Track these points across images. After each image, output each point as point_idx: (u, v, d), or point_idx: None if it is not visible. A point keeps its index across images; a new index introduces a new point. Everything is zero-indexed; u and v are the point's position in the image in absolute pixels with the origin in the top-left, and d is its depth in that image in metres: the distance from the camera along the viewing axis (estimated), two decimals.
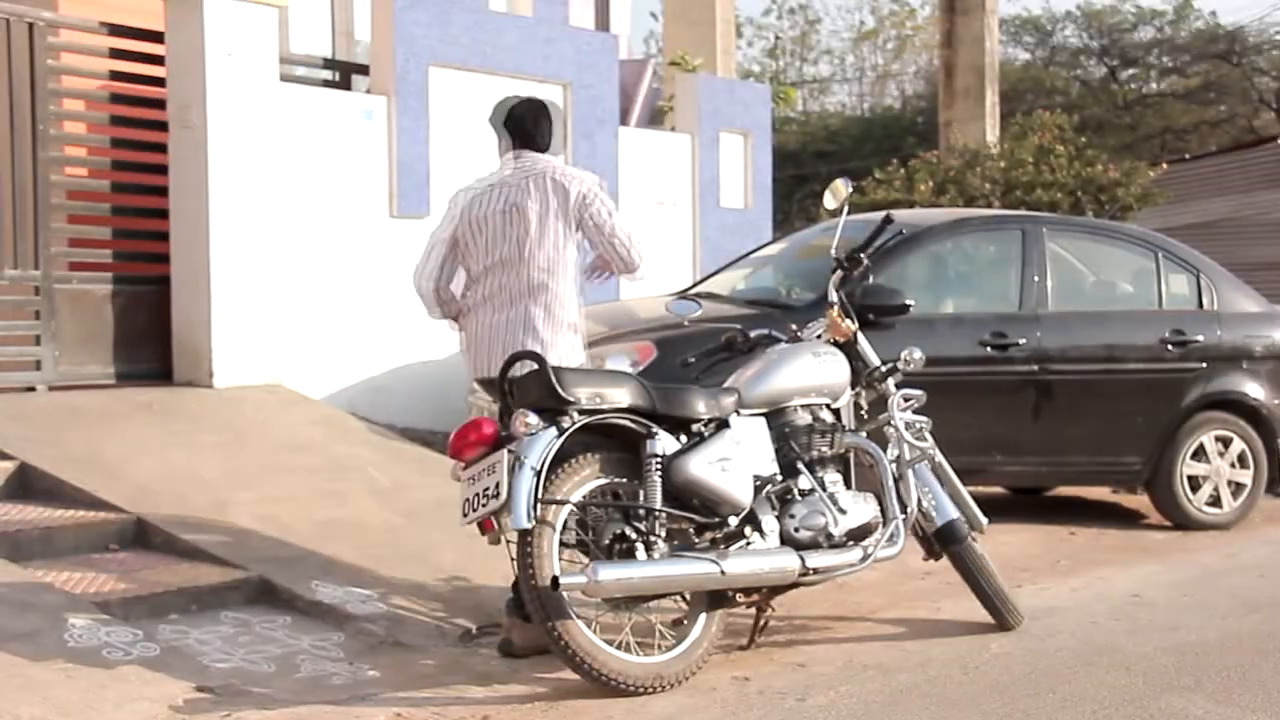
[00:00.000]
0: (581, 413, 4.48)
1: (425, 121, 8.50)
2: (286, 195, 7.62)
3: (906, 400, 5.21)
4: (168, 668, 4.28)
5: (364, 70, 8.80)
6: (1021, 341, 7.31)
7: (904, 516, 4.98)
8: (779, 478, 4.86)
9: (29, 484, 5.71)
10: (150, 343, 7.29)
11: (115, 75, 7.36)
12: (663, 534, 4.50)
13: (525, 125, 5.39)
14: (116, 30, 7.27)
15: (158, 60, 7.34)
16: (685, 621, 4.62)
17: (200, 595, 4.96)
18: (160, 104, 7.35)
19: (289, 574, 5.20)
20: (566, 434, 4.43)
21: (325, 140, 8.04)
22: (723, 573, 4.51)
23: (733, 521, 4.68)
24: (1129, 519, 7.97)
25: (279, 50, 7.62)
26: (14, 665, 4.05)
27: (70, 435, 6.14)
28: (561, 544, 4.41)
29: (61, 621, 4.37)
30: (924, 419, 5.23)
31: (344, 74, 8.97)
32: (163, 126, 7.35)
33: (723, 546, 4.64)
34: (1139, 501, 8.17)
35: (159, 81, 7.36)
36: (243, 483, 6.02)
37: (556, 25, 9.96)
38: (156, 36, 7.32)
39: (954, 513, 5.21)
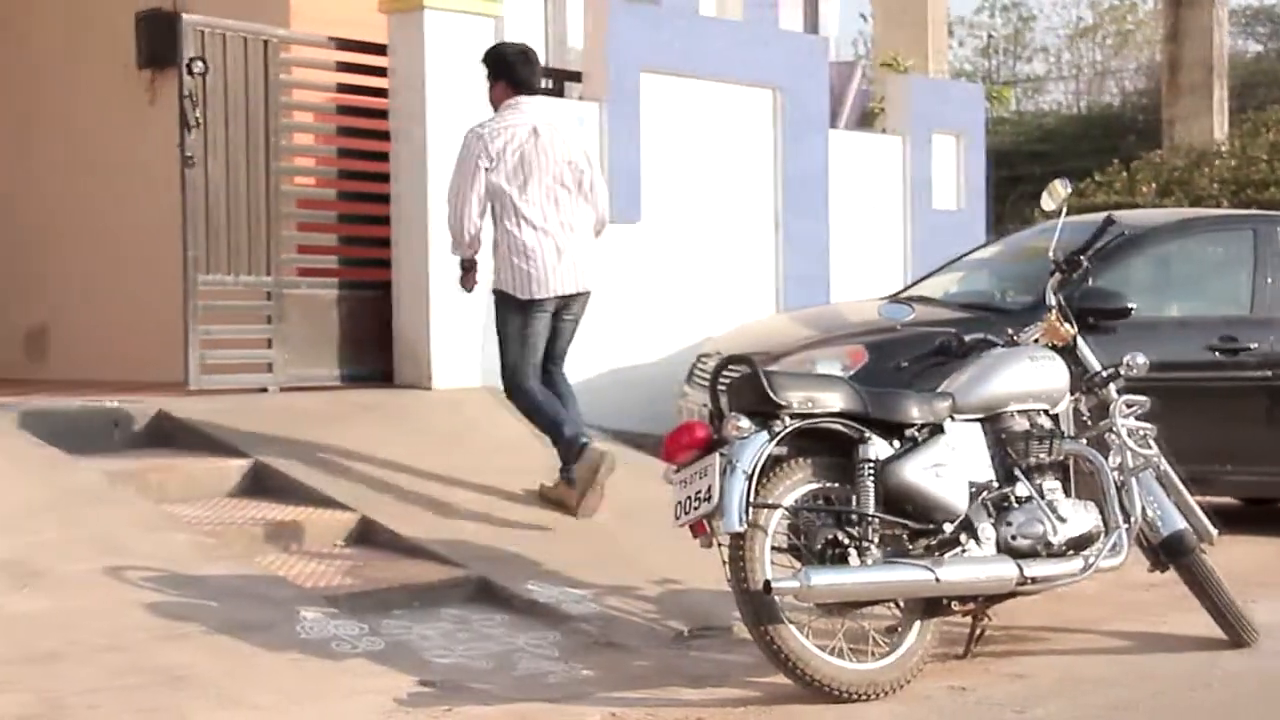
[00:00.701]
0: (793, 417, 4.47)
1: (637, 127, 8.58)
2: None
3: (1129, 406, 5.05)
4: (392, 661, 4.42)
5: (576, 77, 8.93)
6: (1253, 346, 7.01)
7: (1127, 526, 4.83)
8: (995, 484, 4.76)
9: (262, 481, 5.96)
10: (373, 346, 7.53)
11: (342, 88, 7.63)
12: (876, 540, 4.46)
13: (532, 71, 6.11)
14: (343, 44, 7.54)
15: (381, 72, 7.58)
16: (899, 629, 4.56)
17: (421, 592, 5.11)
18: (383, 114, 7.59)
19: (505, 573, 5.31)
20: (779, 438, 4.42)
21: None
22: (938, 580, 4.44)
23: (948, 528, 4.60)
24: None
25: None
26: (252, 654, 4.23)
27: (300, 435, 6.38)
28: (773, 548, 4.40)
29: (294, 614, 4.56)
30: (1148, 426, 5.06)
31: (557, 81, 9.12)
32: (386, 136, 7.59)
33: (937, 553, 4.56)
34: None
35: (382, 93, 7.60)
36: (460, 483, 6.17)
37: (766, 29, 9.95)
38: (379, 49, 7.56)
39: (1181, 523, 5.03)
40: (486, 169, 5.92)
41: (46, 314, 9.17)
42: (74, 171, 9.00)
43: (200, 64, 6.81)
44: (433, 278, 7.38)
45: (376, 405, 7.04)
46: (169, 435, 6.30)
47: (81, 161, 8.95)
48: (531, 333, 5.99)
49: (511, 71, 6.10)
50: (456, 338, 7.47)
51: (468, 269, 6.18)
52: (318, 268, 7.52)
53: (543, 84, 6.35)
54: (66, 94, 9.04)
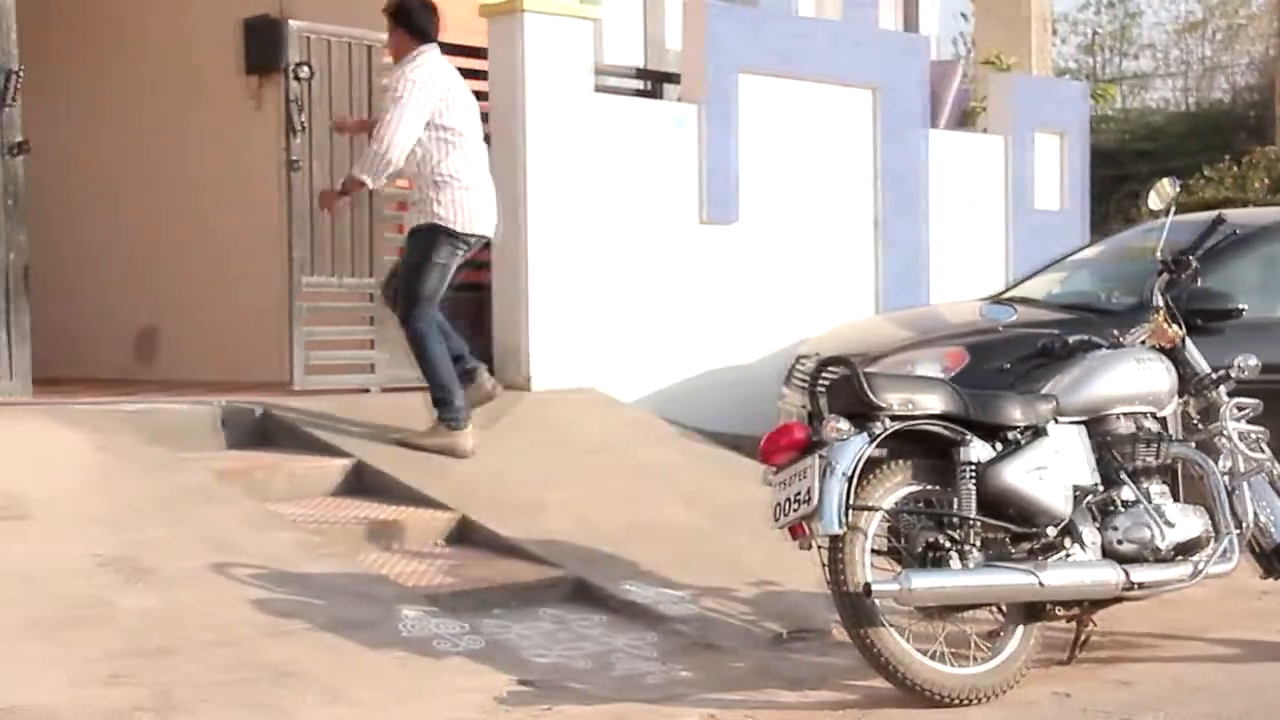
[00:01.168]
0: (893, 418, 4.43)
1: (734, 128, 8.57)
2: (599, 203, 7.82)
3: (1240, 409, 4.95)
4: (491, 660, 4.45)
5: (674, 79, 8.94)
6: None
7: (1238, 531, 4.73)
8: (1100, 488, 4.68)
9: (364, 480, 6.04)
10: (473, 347, 7.58)
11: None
12: (977, 543, 4.40)
13: (430, 21, 6.30)
14: (444, 49, 7.58)
15: (481, 75, 7.64)
16: (1001, 633, 4.50)
17: (520, 592, 5.15)
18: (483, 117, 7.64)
19: (603, 573, 5.33)
20: (878, 440, 4.38)
21: (636, 149, 8.21)
22: (1041, 584, 4.38)
23: (1051, 532, 4.53)
24: None
25: (593, 61, 7.83)
26: (355, 652, 4.29)
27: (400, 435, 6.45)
28: (872, 551, 4.37)
29: (395, 612, 4.61)
30: (1260, 429, 4.95)
31: (654, 83, 9.14)
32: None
33: (1040, 557, 4.50)
34: None
35: (482, 96, 7.65)
36: (558, 483, 6.21)
37: (865, 29, 9.89)
38: (479, 53, 7.62)
39: None
40: (435, 108, 6.15)
41: (156, 315, 9.36)
42: (183, 176, 9.18)
43: (305, 69, 6.93)
44: (531, 279, 7.42)
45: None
46: (273, 435, 6.40)
47: (190, 166, 9.13)
48: (452, 266, 6.23)
49: (413, 19, 6.30)
50: (554, 339, 7.51)
51: (346, 192, 6.36)
52: None
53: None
54: (175, 100, 9.22)
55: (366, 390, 7.18)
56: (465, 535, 5.67)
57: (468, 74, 7.61)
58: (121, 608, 4.29)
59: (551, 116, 7.50)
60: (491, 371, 7.47)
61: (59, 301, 8.49)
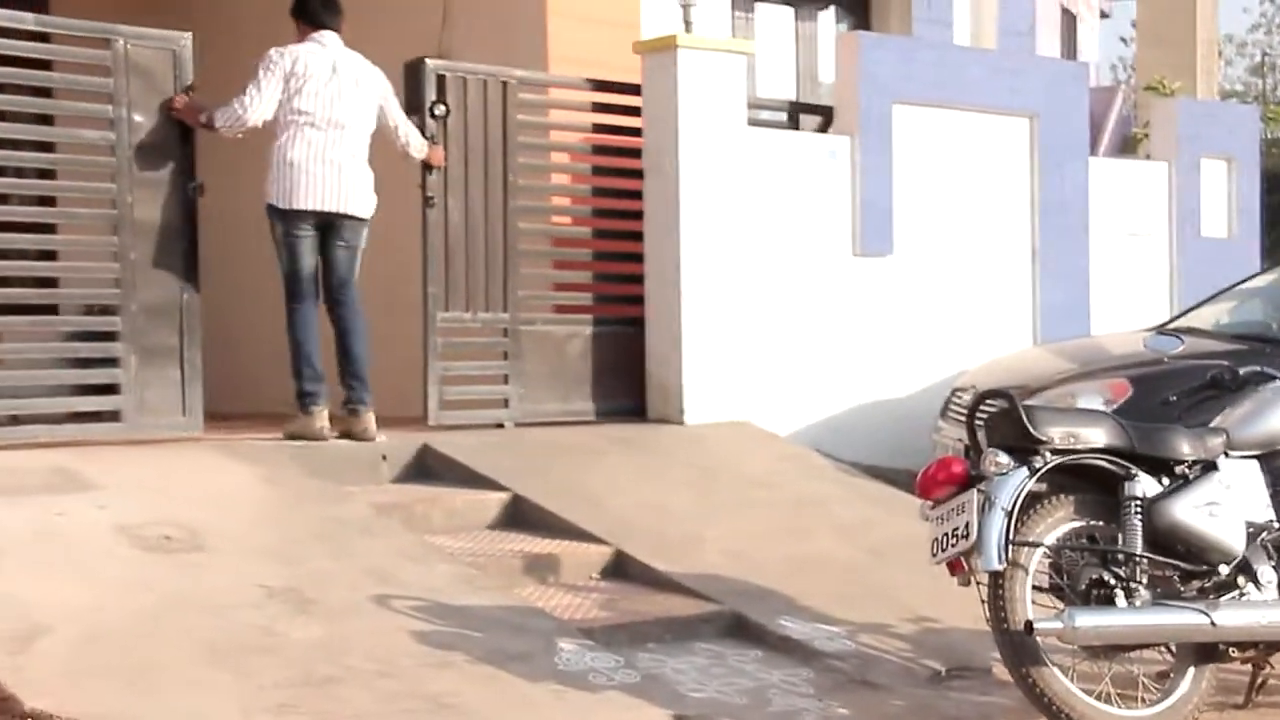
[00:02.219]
0: (1054, 452, 4.34)
1: (888, 159, 8.51)
2: (752, 236, 7.82)
3: None
4: (647, 694, 4.45)
5: (822, 110, 8.91)
6: None
7: None
8: (1276, 525, 4.52)
9: (521, 514, 6.10)
10: (624, 381, 7.63)
11: (596, 127, 7.77)
12: (1144, 580, 4.28)
13: (324, 8, 6.55)
14: (599, 85, 7.68)
15: (629, 111, 7.70)
16: (1172, 675, 4.37)
17: (675, 626, 5.14)
18: (630, 153, 7.71)
19: (758, 608, 5.30)
20: (1039, 474, 4.29)
21: (789, 181, 8.20)
22: (1213, 624, 4.23)
23: (1223, 570, 4.39)
24: None
25: (746, 95, 7.85)
26: (512, 684, 4.33)
27: (556, 469, 6.52)
28: (1034, 588, 4.28)
29: (552, 645, 4.64)
30: None
31: (808, 115, 9.12)
32: (633, 174, 7.70)
33: (1212, 596, 4.36)
34: None
35: (630, 131, 7.72)
36: (712, 517, 6.20)
37: (1022, 56, 9.76)
38: (628, 88, 7.68)
39: None
40: (287, 89, 6.35)
41: None
42: None
43: (442, 106, 7.04)
44: (685, 313, 7.45)
45: (629, 440, 7.13)
46: (432, 469, 6.51)
47: None
48: (297, 244, 6.38)
49: (300, 8, 6.58)
50: (708, 372, 7.52)
51: (197, 121, 6.39)
52: (572, 305, 7.65)
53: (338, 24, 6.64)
54: None
55: (501, 425, 7.17)
56: (621, 569, 5.69)
57: (616, 110, 7.72)
58: (289, 637, 4.40)
59: (705, 151, 7.53)
60: (643, 409, 7.55)
61: (225, 338, 8.74)
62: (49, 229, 6.56)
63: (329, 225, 6.45)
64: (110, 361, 6.23)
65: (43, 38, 6.27)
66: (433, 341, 7.04)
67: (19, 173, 6.57)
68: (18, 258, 6.52)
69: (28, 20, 6.18)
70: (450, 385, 7.10)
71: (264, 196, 6.44)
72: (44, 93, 6.57)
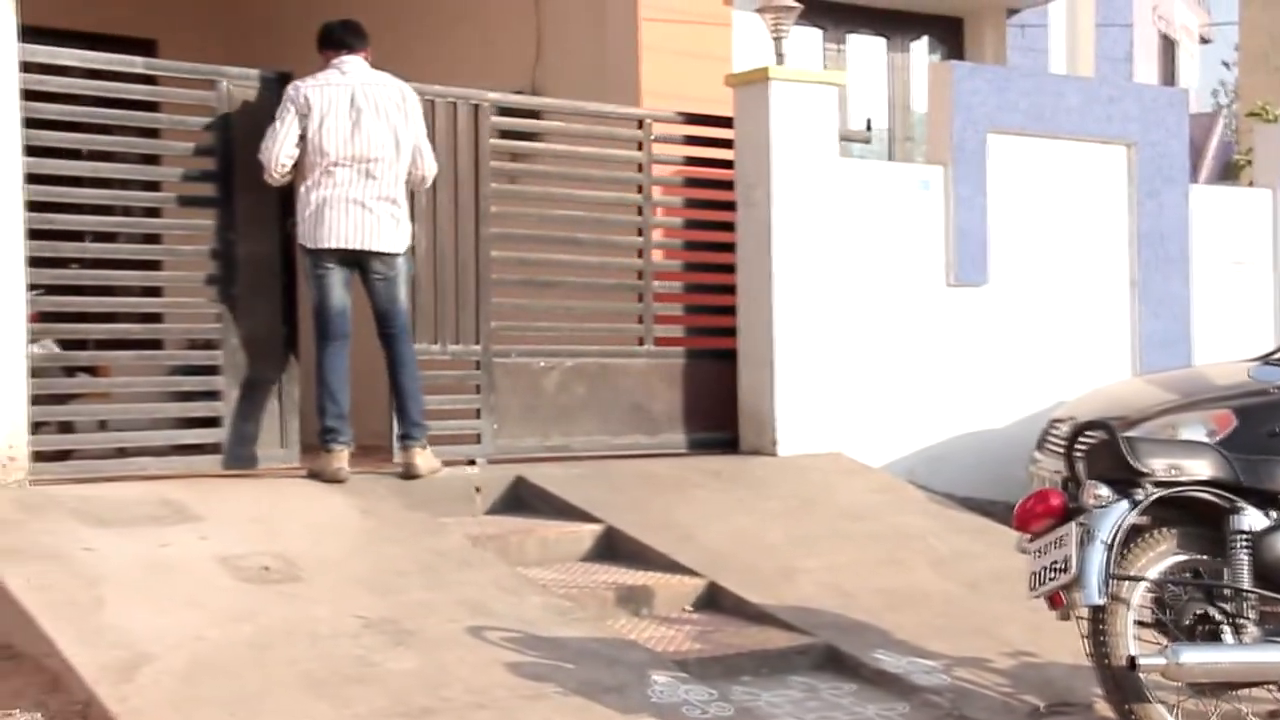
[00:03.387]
0: (1156, 485, 4.27)
1: (983, 189, 8.45)
2: (845, 267, 7.79)
3: None
4: None
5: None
6: None
7: None
8: None
9: (614, 546, 6.12)
10: (721, 413, 7.63)
11: (689, 160, 7.78)
12: (1253, 616, 4.19)
13: (347, 31, 6.39)
14: (688, 119, 7.70)
15: (725, 144, 7.72)
16: None
17: (769, 659, 5.11)
18: (715, 184, 7.72)
19: (853, 641, 5.25)
20: (1141, 507, 4.23)
21: (882, 212, 8.17)
22: None
23: None
24: None
25: (838, 126, 7.84)
26: (606, 716, 4.33)
27: (649, 501, 6.52)
28: (1136, 623, 4.20)
29: (645, 678, 4.64)
30: None
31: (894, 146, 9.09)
32: (719, 206, 7.71)
33: None
34: None
35: (727, 164, 7.73)
36: (806, 550, 6.16)
37: (1120, 84, 9.66)
38: (713, 120, 7.70)
39: None
40: (302, 125, 6.19)
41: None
42: None
43: None
44: (777, 343, 7.43)
45: (722, 472, 7.12)
46: (525, 501, 6.55)
47: None
48: (327, 281, 6.22)
49: (321, 37, 6.40)
50: (801, 403, 7.49)
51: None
52: (668, 337, 7.66)
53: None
54: None
55: (473, 462, 6.79)
56: (714, 601, 5.68)
57: (713, 143, 7.74)
58: (386, 668, 4.44)
59: (797, 182, 7.53)
60: (735, 441, 7.53)
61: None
62: (154, 265, 6.71)
63: (358, 262, 6.28)
64: (212, 395, 6.35)
65: (150, 80, 6.43)
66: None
67: (126, 211, 6.74)
68: (124, 294, 6.68)
69: (137, 64, 6.35)
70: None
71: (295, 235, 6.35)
72: (151, 133, 6.74)
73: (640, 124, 7.47)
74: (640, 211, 7.48)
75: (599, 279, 7.53)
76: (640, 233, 7.54)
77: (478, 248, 7.00)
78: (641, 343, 7.50)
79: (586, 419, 7.29)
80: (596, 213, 7.49)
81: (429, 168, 6.46)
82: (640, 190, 7.50)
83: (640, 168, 7.48)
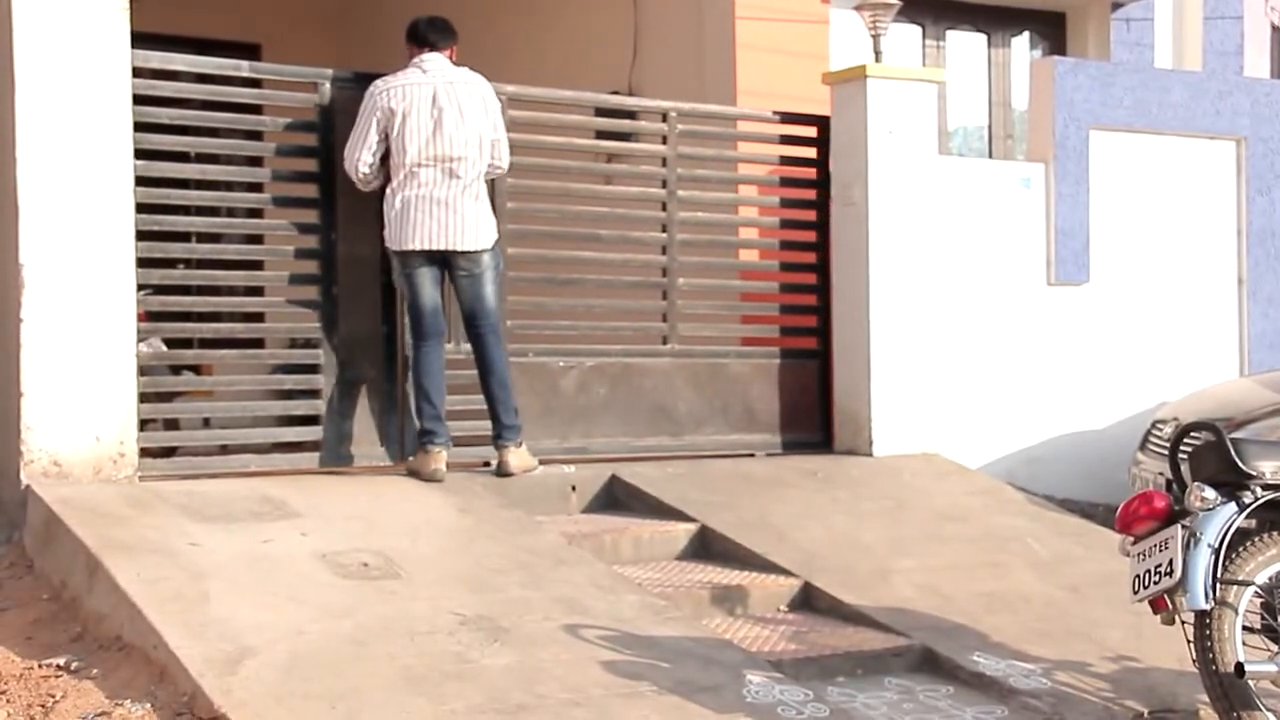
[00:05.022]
0: (1265, 488, 4.18)
1: (1085, 186, 8.32)
2: (942, 265, 7.71)
3: None
4: None
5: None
6: None
7: None
8: None
9: (708, 545, 6.11)
10: (810, 413, 7.59)
11: (783, 159, 7.76)
12: None
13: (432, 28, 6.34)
14: (785, 119, 7.68)
15: (807, 142, 7.67)
16: None
17: (865, 660, 5.08)
18: (811, 184, 7.67)
19: (950, 644, 5.20)
20: (1249, 510, 4.14)
21: (982, 210, 8.09)
22: None
23: None
24: None
25: (938, 124, 7.76)
26: (701, 716, 4.33)
27: (743, 501, 6.51)
28: (1244, 628, 4.12)
29: (740, 677, 4.63)
30: None
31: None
32: (811, 205, 7.66)
33: None
34: None
35: (808, 162, 7.68)
36: (902, 551, 6.12)
37: (1229, 78, 9.44)
38: (806, 120, 7.65)
39: None
40: (383, 125, 6.19)
41: None
42: None
43: None
44: (873, 342, 7.38)
45: (817, 472, 7.08)
46: (620, 500, 6.57)
47: None
48: (416, 280, 6.24)
49: (411, 29, 6.35)
50: (898, 403, 7.43)
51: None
52: (759, 337, 7.64)
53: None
54: None
55: (487, 464, 6.59)
56: (809, 601, 5.66)
57: (807, 142, 7.69)
58: (483, 665, 4.48)
59: (895, 180, 7.47)
60: (831, 441, 7.49)
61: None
62: (257, 265, 6.83)
63: (445, 260, 6.28)
64: (313, 393, 6.43)
65: (255, 83, 6.55)
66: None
67: (230, 212, 6.86)
68: (228, 294, 6.80)
69: (243, 68, 6.47)
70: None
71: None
72: (255, 135, 6.86)
73: (664, 117, 7.35)
74: (664, 207, 7.32)
75: (620, 276, 7.35)
76: (664, 229, 7.32)
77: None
78: (665, 341, 7.29)
79: (608, 420, 7.13)
80: (620, 209, 7.35)
81: (504, 160, 6.47)
82: (664, 185, 7.31)
83: (664, 162, 7.31)
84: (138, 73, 5.90)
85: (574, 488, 6.56)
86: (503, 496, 6.18)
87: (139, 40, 5.90)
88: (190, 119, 6.25)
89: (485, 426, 6.48)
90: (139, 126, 5.89)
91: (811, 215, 7.70)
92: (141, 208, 5.91)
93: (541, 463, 6.57)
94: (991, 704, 4.79)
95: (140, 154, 5.91)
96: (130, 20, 5.82)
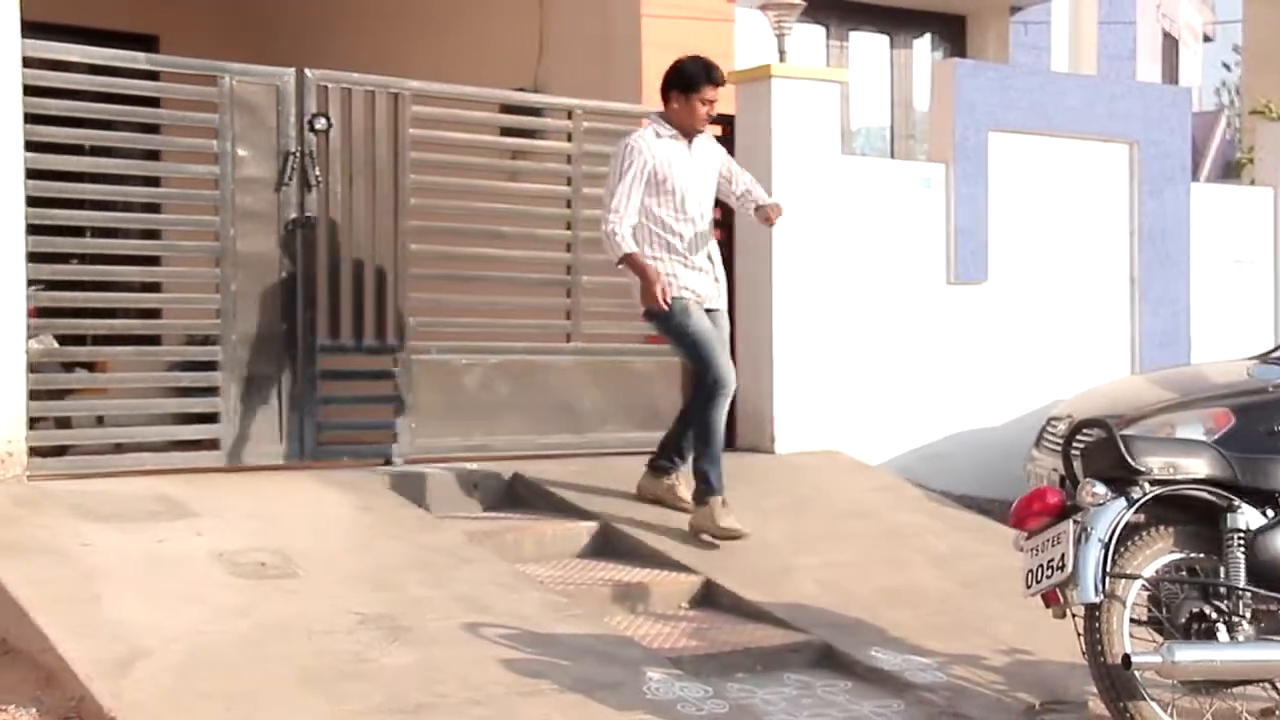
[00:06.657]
0: (1153, 483, 4.27)
1: (984, 187, 8.45)
2: (844, 264, 7.79)
3: None
4: None
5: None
6: None
7: None
8: None
9: (611, 543, 6.11)
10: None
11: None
12: (1247, 615, 4.19)
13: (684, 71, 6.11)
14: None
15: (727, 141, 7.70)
16: (1277, 712, 4.26)
17: (765, 656, 5.11)
18: None
19: (850, 639, 5.26)
20: (1137, 505, 4.23)
21: (883, 210, 8.18)
22: None
23: None
24: None
25: (841, 124, 7.83)
26: (602, 713, 4.33)
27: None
28: (1132, 621, 4.21)
29: (640, 674, 4.64)
30: None
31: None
32: (716, 204, 7.64)
33: None
34: None
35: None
36: (804, 547, 6.16)
37: (1123, 82, 9.66)
38: (726, 119, 7.68)
39: None
40: (649, 179, 6.04)
41: None
42: None
43: (322, 120, 6.47)
44: (776, 340, 7.43)
45: None
46: (523, 497, 6.55)
47: None
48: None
49: (680, 75, 6.15)
50: (799, 401, 7.49)
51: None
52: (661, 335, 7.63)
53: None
54: None
55: (390, 461, 6.60)
56: (710, 598, 5.68)
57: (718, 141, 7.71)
58: (382, 664, 4.44)
59: (799, 179, 7.52)
60: (733, 439, 7.50)
61: None
62: (154, 261, 6.71)
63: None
64: (211, 391, 6.34)
65: (152, 76, 6.43)
66: (310, 374, 6.52)
67: (126, 207, 6.74)
68: (124, 289, 6.68)
69: (139, 59, 6.35)
70: (333, 418, 6.64)
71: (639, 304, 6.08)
72: (152, 129, 6.73)
73: (569, 115, 7.31)
74: (569, 205, 7.29)
75: (524, 274, 7.25)
76: (569, 226, 7.28)
77: (396, 241, 6.77)
78: (569, 339, 7.25)
79: (511, 418, 7.06)
80: (524, 206, 7.27)
81: (762, 197, 6.43)
82: (569, 183, 7.28)
83: (569, 159, 7.28)
84: (29, 63, 5.77)
85: (476, 485, 6.53)
86: (404, 495, 6.14)
87: (31, 30, 5.77)
88: (84, 111, 6.13)
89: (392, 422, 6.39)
90: (30, 119, 5.76)
91: (716, 214, 7.70)
92: (32, 201, 5.79)
93: (443, 460, 6.52)
94: (889, 698, 4.85)
95: (31, 146, 5.79)
96: (21, 8, 5.69)
